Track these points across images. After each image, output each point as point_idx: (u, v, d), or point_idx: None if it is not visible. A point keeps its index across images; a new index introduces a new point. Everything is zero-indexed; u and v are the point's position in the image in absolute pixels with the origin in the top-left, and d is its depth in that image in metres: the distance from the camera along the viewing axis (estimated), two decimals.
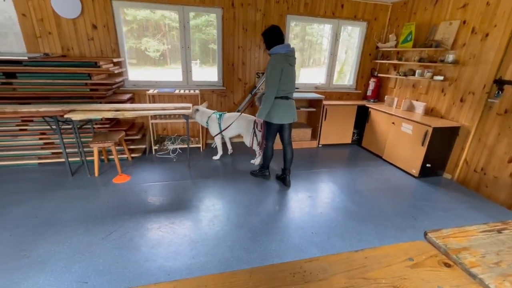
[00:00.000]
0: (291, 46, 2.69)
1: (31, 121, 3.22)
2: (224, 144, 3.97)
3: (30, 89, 3.07)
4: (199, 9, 3.73)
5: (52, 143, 3.40)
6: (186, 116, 3.21)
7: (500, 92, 2.88)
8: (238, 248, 2.04)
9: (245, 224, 2.34)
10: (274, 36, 2.66)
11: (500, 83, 2.89)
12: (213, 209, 2.55)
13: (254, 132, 3.21)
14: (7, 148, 3.27)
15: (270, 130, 2.89)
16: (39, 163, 3.36)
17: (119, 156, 3.48)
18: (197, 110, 3.57)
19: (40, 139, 3.33)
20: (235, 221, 2.39)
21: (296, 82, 2.85)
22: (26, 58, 2.84)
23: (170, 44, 3.98)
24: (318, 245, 2.11)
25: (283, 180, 3.13)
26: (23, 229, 2.16)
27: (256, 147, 3.50)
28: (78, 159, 3.39)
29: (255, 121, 2.93)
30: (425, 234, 0.85)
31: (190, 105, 3.41)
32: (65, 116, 2.74)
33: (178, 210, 2.51)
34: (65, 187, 2.84)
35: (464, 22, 3.17)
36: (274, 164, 3.63)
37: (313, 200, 2.80)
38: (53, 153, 3.40)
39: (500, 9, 2.81)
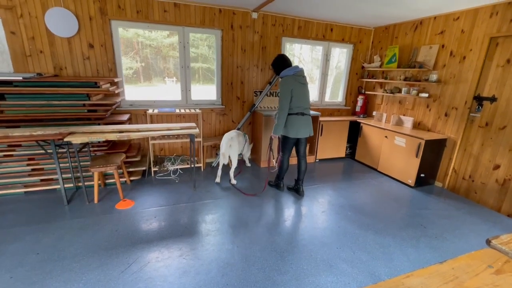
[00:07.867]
0: (300, 67, 2.94)
1: (19, 145, 2.94)
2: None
3: (20, 111, 2.82)
4: (200, 30, 3.78)
5: (42, 169, 3.11)
6: (192, 136, 3.14)
7: (480, 107, 3.25)
8: (270, 270, 1.99)
9: (269, 244, 2.30)
10: (281, 63, 2.96)
11: (479, 99, 3.26)
12: (231, 231, 2.47)
13: (270, 147, 3.33)
14: None
15: (286, 144, 3.11)
16: (25, 192, 3.03)
17: None
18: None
19: (28, 165, 3.03)
20: (258, 241, 2.33)
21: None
22: (20, 78, 2.63)
23: (144, 62, 3.91)
24: (346, 260, 2.13)
25: (297, 190, 3.29)
26: (26, 268, 1.91)
27: (272, 161, 3.68)
28: (72, 185, 3.13)
29: (270, 137, 3.13)
30: (489, 241, 0.92)
31: (194, 124, 3.36)
32: (65, 139, 2.55)
33: (196, 234, 2.39)
34: (63, 217, 2.58)
35: (443, 46, 3.58)
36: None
37: (327, 215, 2.84)
38: (42, 180, 3.10)
39: (474, 36, 3.23)
